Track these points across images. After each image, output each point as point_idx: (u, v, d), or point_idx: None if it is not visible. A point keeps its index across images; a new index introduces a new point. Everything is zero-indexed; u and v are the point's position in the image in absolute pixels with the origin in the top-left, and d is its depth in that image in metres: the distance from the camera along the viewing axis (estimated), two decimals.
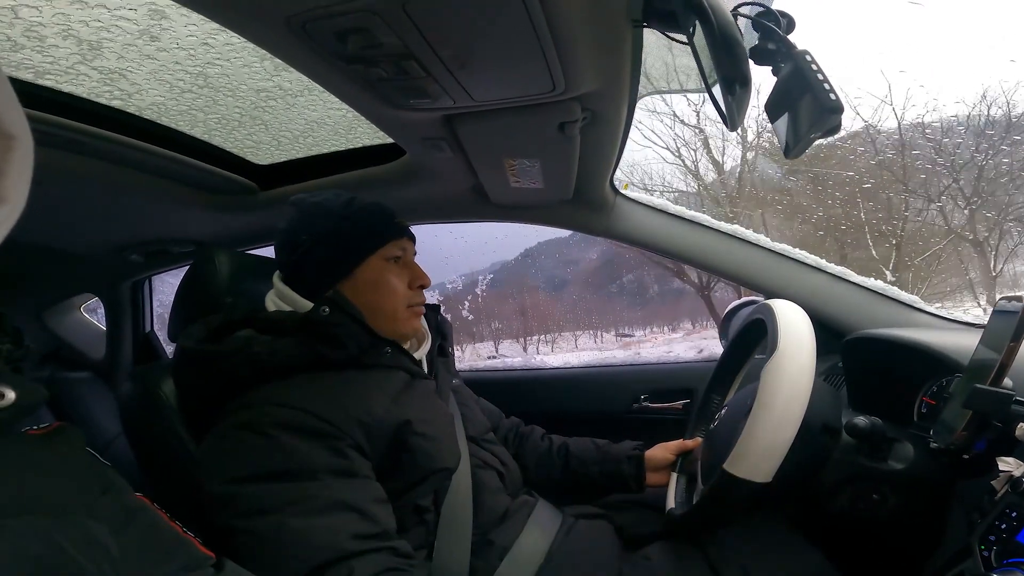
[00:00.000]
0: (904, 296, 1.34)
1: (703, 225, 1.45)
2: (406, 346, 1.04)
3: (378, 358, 0.97)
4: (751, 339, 1.17)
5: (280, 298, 1.00)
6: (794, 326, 0.87)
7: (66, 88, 0.97)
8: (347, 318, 0.92)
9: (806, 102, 0.57)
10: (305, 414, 0.82)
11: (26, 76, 0.91)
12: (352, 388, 0.90)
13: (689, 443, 1.22)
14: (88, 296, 2.18)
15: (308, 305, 0.95)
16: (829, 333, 1.32)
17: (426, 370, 1.08)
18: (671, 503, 1.13)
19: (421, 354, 1.08)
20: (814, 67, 0.56)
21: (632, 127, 1.12)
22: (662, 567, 0.98)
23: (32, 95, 0.94)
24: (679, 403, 1.66)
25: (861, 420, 0.86)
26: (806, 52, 0.57)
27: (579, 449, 1.30)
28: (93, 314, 2.27)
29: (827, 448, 0.89)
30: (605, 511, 1.17)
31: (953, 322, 1.30)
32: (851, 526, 0.95)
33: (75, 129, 1.00)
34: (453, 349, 1.26)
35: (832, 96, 0.54)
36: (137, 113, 1.09)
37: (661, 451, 1.24)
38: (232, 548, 0.74)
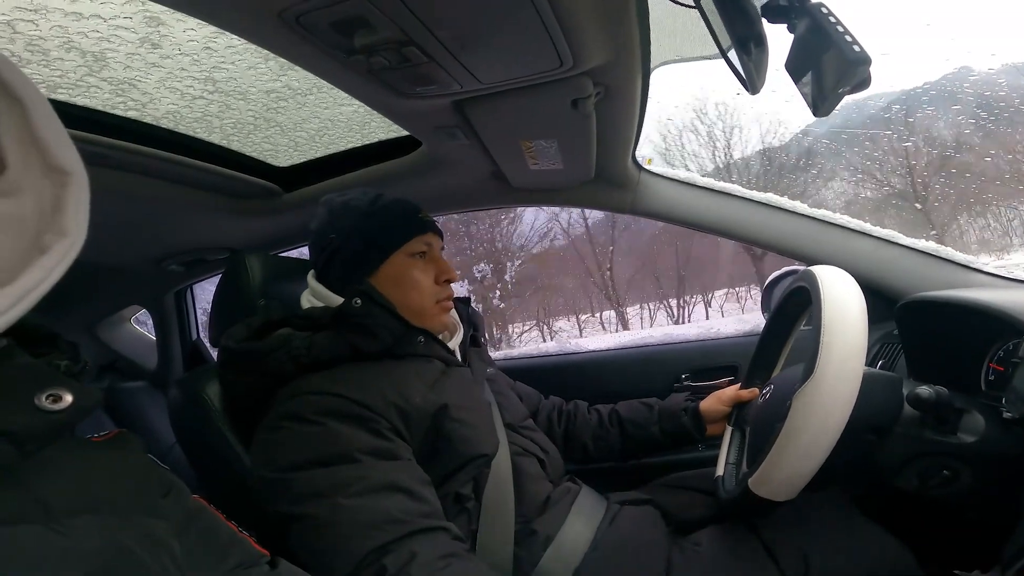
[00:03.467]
0: (959, 256, 1.25)
1: (734, 195, 1.39)
2: (439, 336, 1.06)
3: (412, 347, 0.99)
4: (795, 308, 1.11)
5: (314, 296, 1.04)
6: (839, 340, 0.78)
7: (80, 101, 0.98)
8: (378, 309, 0.94)
9: (829, 57, 0.53)
10: (344, 400, 0.85)
11: None
12: (389, 376, 0.92)
13: (745, 394, 1.17)
14: (137, 308, 2.25)
15: (338, 300, 0.98)
16: (881, 299, 1.25)
17: (460, 360, 1.09)
18: (720, 468, 1.10)
19: (454, 344, 1.10)
20: (832, 19, 0.51)
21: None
22: (714, 553, 0.95)
23: None
24: (723, 380, 1.60)
25: (924, 390, 0.80)
26: (821, 5, 0.52)
27: (631, 412, 1.27)
28: (143, 325, 2.34)
29: (876, 445, 0.84)
30: (651, 496, 1.14)
31: (1014, 281, 1.21)
32: (920, 504, 0.90)
33: (97, 143, 1.02)
34: (485, 339, 1.27)
35: (856, 48, 0.50)
36: (154, 123, 1.10)
37: (715, 403, 1.20)
38: (292, 535, 0.77)
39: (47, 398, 0.40)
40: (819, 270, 0.89)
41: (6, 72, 0.39)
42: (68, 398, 0.41)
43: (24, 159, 0.39)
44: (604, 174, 1.36)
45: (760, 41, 0.54)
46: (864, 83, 0.51)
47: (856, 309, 0.81)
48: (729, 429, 1.17)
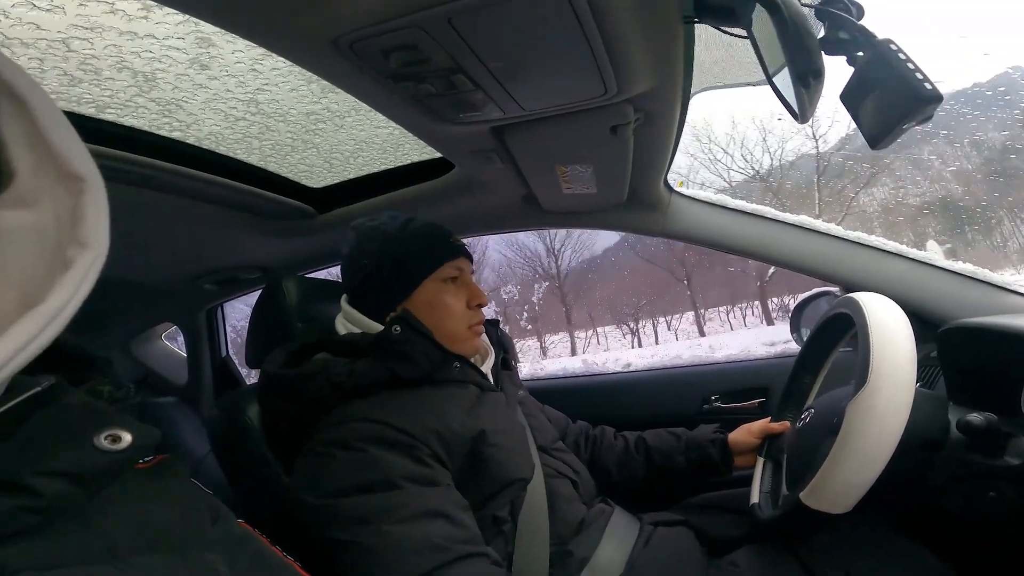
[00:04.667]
0: (996, 278, 1.23)
1: (767, 218, 1.38)
2: (471, 361, 1.06)
3: (449, 373, 0.99)
4: (835, 333, 1.10)
5: (349, 320, 1.04)
6: (891, 348, 0.79)
7: (127, 121, 1.00)
8: (417, 336, 0.94)
9: (893, 91, 0.53)
10: (387, 427, 0.85)
11: (88, 111, 0.94)
12: (428, 403, 0.92)
13: (775, 426, 1.17)
14: (168, 325, 2.29)
15: (376, 326, 0.98)
16: (917, 321, 1.23)
17: (493, 384, 1.09)
18: (755, 496, 1.08)
19: (486, 368, 1.09)
20: (902, 56, 0.51)
21: None
22: (753, 573, 0.94)
23: (97, 130, 0.97)
24: (754, 402, 1.59)
25: (975, 417, 0.80)
26: (890, 41, 0.53)
27: (658, 441, 1.26)
28: (173, 342, 2.38)
29: (926, 462, 0.84)
30: (684, 516, 1.13)
31: None
32: (963, 524, 0.89)
33: (141, 163, 1.03)
34: (516, 362, 1.27)
35: (928, 85, 0.50)
36: (196, 144, 1.12)
37: (744, 435, 1.19)
38: (337, 560, 0.77)
39: (106, 438, 0.39)
40: (862, 297, 0.90)
41: (6, 71, 0.37)
42: (128, 437, 0.40)
43: (35, 165, 0.36)
44: (636, 197, 1.36)
45: (819, 74, 0.55)
46: (928, 118, 0.51)
47: (904, 328, 0.82)
48: (760, 460, 1.16)
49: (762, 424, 1.19)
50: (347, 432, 0.86)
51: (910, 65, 0.50)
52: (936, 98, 0.49)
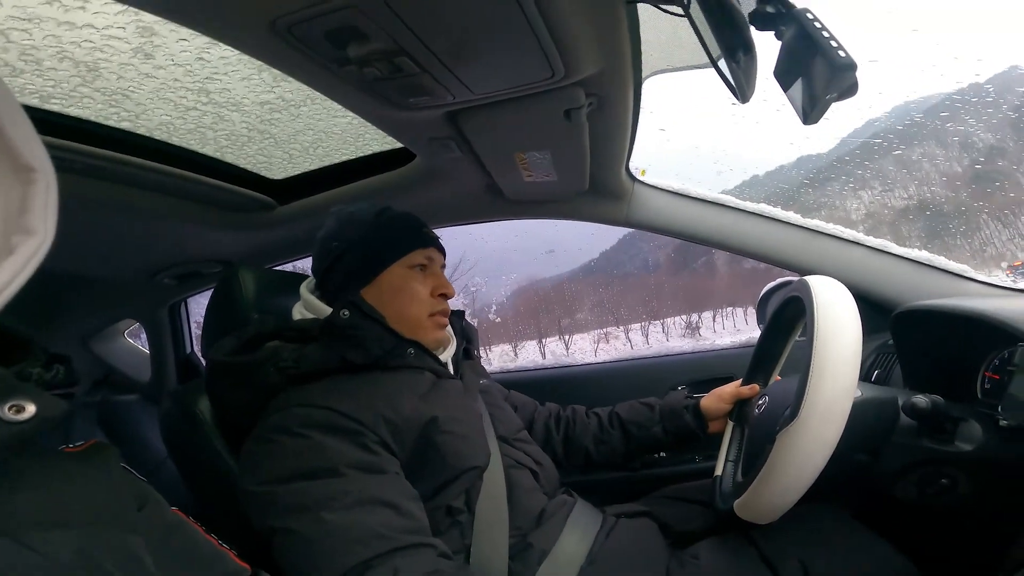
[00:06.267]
0: (952, 265, 1.25)
1: (729, 206, 1.39)
2: (435, 349, 1.06)
3: (402, 359, 0.98)
4: (790, 321, 1.11)
5: (306, 307, 1.04)
6: (828, 383, 0.76)
7: (73, 112, 0.98)
8: (368, 320, 0.94)
9: (817, 64, 0.53)
10: (332, 412, 0.84)
11: (32, 101, 0.93)
12: (379, 388, 0.91)
13: (745, 390, 1.17)
14: (130, 322, 2.24)
15: (328, 311, 0.97)
16: (874, 309, 1.24)
17: (452, 372, 1.08)
18: (720, 468, 1.09)
19: (446, 357, 1.09)
20: (817, 24, 0.51)
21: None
22: (713, 566, 0.94)
23: (42, 121, 0.94)
24: None
25: (921, 400, 0.80)
26: (806, 10, 0.53)
27: (632, 414, 1.26)
28: (136, 339, 2.33)
29: (863, 466, 0.85)
30: (648, 508, 1.13)
31: (1007, 289, 1.21)
32: (920, 514, 0.90)
33: (89, 154, 1.02)
34: (479, 352, 1.26)
35: (842, 53, 0.50)
36: (147, 134, 1.10)
37: (715, 400, 1.20)
38: (275, 549, 0.76)
39: (9, 408, 0.39)
40: (814, 283, 0.88)
41: None
42: (31, 408, 0.40)
43: None
44: (598, 186, 1.36)
45: (748, 48, 0.55)
46: (851, 89, 0.51)
47: (851, 337, 0.79)
48: (730, 425, 1.17)
49: (732, 388, 1.20)
50: (290, 418, 0.85)
51: (825, 34, 0.50)
52: (851, 66, 0.49)
